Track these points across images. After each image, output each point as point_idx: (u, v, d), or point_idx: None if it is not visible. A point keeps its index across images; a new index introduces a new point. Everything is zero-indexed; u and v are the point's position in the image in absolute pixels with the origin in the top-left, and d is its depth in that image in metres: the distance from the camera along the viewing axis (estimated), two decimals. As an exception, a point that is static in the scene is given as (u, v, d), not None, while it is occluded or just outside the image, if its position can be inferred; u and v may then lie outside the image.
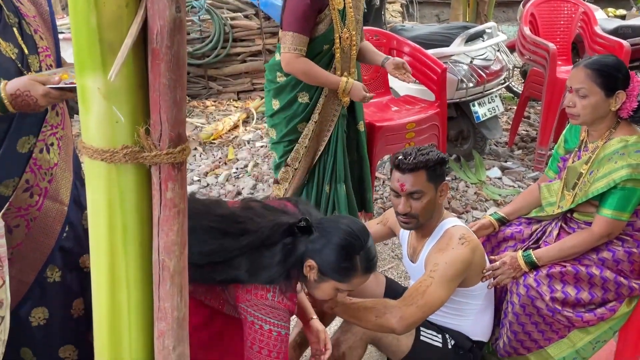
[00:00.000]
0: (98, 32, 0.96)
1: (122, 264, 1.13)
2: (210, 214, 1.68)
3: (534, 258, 2.06)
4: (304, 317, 1.99)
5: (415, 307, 1.88)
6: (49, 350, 1.80)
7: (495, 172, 4.34)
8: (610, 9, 8.13)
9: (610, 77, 1.97)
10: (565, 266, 2.04)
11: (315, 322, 1.97)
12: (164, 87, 1.00)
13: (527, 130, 5.26)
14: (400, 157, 2.00)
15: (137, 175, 1.07)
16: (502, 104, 5.10)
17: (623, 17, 7.20)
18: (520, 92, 5.05)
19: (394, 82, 4.15)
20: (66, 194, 1.73)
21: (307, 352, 2.37)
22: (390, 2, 8.97)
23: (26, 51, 1.61)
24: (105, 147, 1.03)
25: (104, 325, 1.18)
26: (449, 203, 3.86)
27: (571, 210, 2.14)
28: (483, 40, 4.18)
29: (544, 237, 2.20)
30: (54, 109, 1.68)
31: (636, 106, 1.97)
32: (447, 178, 4.15)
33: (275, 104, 2.87)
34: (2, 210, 1.59)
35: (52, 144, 1.68)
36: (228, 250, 1.61)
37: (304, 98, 2.80)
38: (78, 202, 1.79)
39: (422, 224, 2.06)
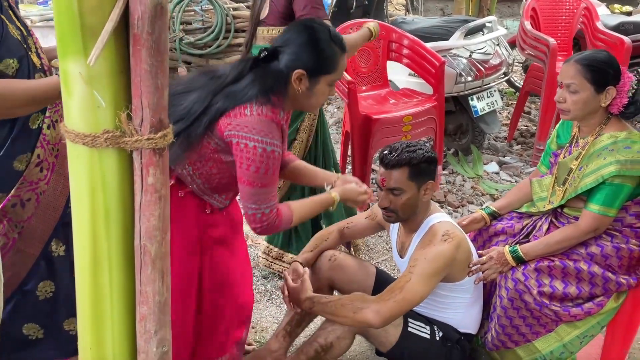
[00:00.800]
0: (80, 16, 0.97)
1: (104, 248, 1.14)
2: (179, 82, 1.74)
3: (521, 253, 2.06)
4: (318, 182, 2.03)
5: (393, 302, 1.89)
6: (55, 323, 1.84)
7: (493, 166, 4.35)
8: (616, 5, 8.08)
9: (601, 73, 1.97)
10: (553, 260, 2.04)
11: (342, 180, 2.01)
12: (145, 72, 1.01)
13: (527, 126, 5.25)
14: (385, 152, 2.02)
15: (118, 160, 1.08)
16: (502, 98, 5.10)
17: (629, 14, 7.15)
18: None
19: (392, 75, 4.15)
20: (67, 168, 1.77)
21: (297, 341, 2.39)
22: (394, -5, 8.94)
23: (25, 32, 1.67)
24: (87, 131, 1.04)
25: (87, 308, 1.20)
26: (445, 197, 3.87)
27: (562, 206, 2.15)
28: (483, 34, 4.17)
29: (534, 232, 2.20)
30: None
31: (627, 102, 1.97)
32: (444, 172, 4.20)
33: None
34: (17, 185, 1.67)
35: (56, 121, 1.74)
36: (203, 98, 1.63)
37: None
38: None
39: (403, 218, 2.09)
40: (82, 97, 1.02)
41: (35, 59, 1.69)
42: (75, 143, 1.06)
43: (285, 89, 1.67)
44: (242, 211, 1.70)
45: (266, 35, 2.63)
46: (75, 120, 1.05)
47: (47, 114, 1.71)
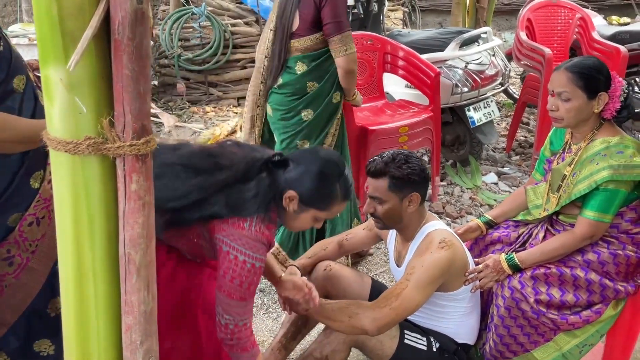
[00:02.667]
0: (59, 22, 0.97)
1: (88, 256, 1.13)
2: (179, 154, 1.68)
3: (517, 261, 2.04)
4: (273, 277, 1.97)
5: (389, 309, 1.87)
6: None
7: (491, 177, 4.33)
8: (614, 17, 8.11)
9: (592, 80, 1.96)
10: (549, 268, 2.02)
11: (286, 276, 1.96)
12: (127, 78, 1.00)
13: (525, 137, 5.25)
14: (372, 160, 2.02)
15: (101, 167, 1.07)
16: (500, 109, 5.11)
17: (627, 25, 7.17)
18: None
19: (389, 87, 4.16)
20: None
21: (293, 354, 2.36)
22: (391, 10, 8.99)
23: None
24: (68, 138, 1.04)
25: (71, 319, 1.18)
26: (443, 208, 3.85)
27: (557, 213, 2.13)
28: (478, 45, 4.18)
29: (530, 240, 2.18)
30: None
31: (619, 107, 1.96)
32: (442, 183, 4.18)
33: (308, 115, 2.83)
34: (33, 203, 1.65)
35: None
36: (204, 188, 1.59)
37: (337, 97, 2.85)
38: None
39: (389, 226, 2.09)
40: (63, 104, 1.02)
41: (32, 76, 1.68)
42: (57, 150, 1.06)
43: (280, 204, 1.66)
44: (217, 318, 1.67)
45: (298, 46, 2.74)
46: (57, 127, 1.04)
47: None
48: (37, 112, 1.64)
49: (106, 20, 0.99)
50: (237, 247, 1.58)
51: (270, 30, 2.89)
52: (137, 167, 1.06)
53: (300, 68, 2.76)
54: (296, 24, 2.70)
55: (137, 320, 1.16)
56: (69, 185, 1.08)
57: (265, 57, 2.93)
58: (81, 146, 1.04)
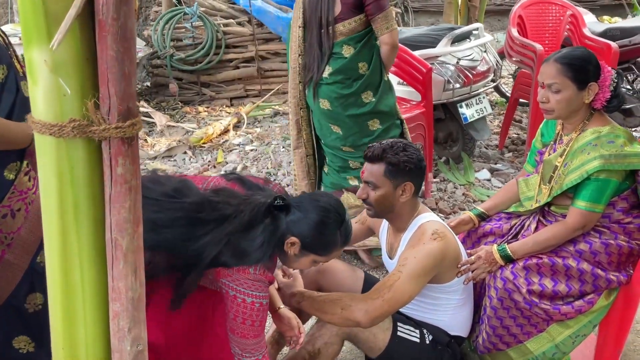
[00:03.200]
0: (43, 3, 0.96)
1: (74, 242, 1.11)
2: (184, 202, 1.67)
3: (509, 252, 2.04)
4: (272, 307, 1.98)
5: (382, 301, 1.86)
6: (46, 335, 1.79)
7: (484, 174, 4.33)
8: (605, 17, 8.15)
9: (582, 70, 1.96)
10: (541, 258, 2.02)
11: (284, 311, 1.98)
12: (111, 59, 0.99)
13: (517, 134, 5.26)
14: (370, 145, 2.03)
15: (87, 150, 1.06)
16: (492, 107, 5.11)
17: (617, 22, 7.21)
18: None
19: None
20: None
21: (285, 350, 2.35)
22: (384, 11, 9.02)
23: (6, 40, 1.67)
24: (53, 121, 1.02)
25: (58, 307, 1.17)
26: (436, 204, 3.85)
27: (549, 204, 2.13)
28: (470, 41, 4.19)
29: (522, 231, 2.18)
30: None
31: (609, 96, 1.96)
32: (435, 179, 4.18)
33: (369, 97, 2.85)
34: (8, 194, 1.64)
35: None
36: (215, 242, 1.62)
37: (385, 74, 2.90)
38: None
39: (380, 214, 2.08)
40: (47, 86, 1.01)
41: (18, 66, 1.68)
42: (42, 134, 1.04)
43: (282, 248, 1.71)
44: (236, 359, 1.74)
45: (343, 30, 2.77)
46: (41, 110, 1.03)
47: None
48: (17, 103, 1.63)
49: (89, 0, 0.98)
50: (244, 290, 1.64)
51: (299, 27, 2.89)
52: (123, 150, 1.05)
53: (347, 51, 2.78)
54: (338, 8, 2.75)
55: (125, 307, 1.15)
56: (54, 169, 1.07)
57: (299, 55, 2.92)
58: (66, 129, 1.02)
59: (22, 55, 1.89)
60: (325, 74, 2.83)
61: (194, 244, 1.62)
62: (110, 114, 1.03)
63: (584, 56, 1.98)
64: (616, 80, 1.96)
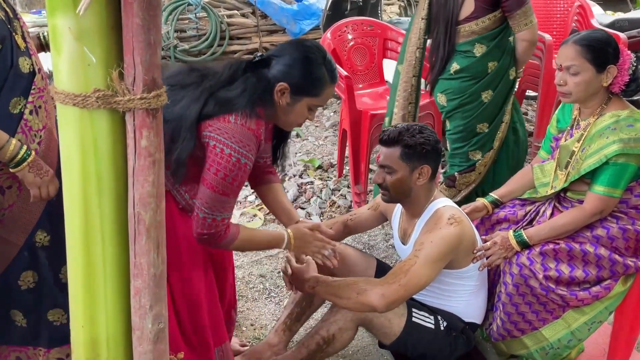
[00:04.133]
0: (68, -32, 0.94)
1: (96, 217, 1.09)
2: (170, 75, 1.72)
3: (525, 237, 2.02)
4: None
5: (398, 286, 1.84)
6: (38, 312, 1.81)
7: (491, 165, 4.30)
8: (608, 12, 8.11)
9: (601, 52, 1.94)
10: (558, 243, 2.00)
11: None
12: (137, 27, 0.97)
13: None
14: (386, 129, 2.02)
15: (111, 122, 1.04)
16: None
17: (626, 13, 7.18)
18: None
19: (387, 75, 4.13)
20: (53, 158, 1.75)
21: (297, 337, 2.33)
22: (387, 4, 8.97)
23: (11, 14, 1.64)
24: (77, 91, 1.01)
25: (79, 283, 1.15)
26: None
27: (565, 190, 2.11)
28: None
29: (537, 218, 2.16)
30: (39, 72, 1.70)
31: (628, 80, 1.93)
32: (442, 170, 4.15)
33: (487, 96, 2.77)
34: None
35: (40, 107, 1.70)
36: (195, 98, 1.62)
37: (512, 73, 2.81)
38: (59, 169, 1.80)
39: (395, 199, 2.06)
40: (71, 55, 0.99)
41: (20, 41, 1.65)
42: (65, 104, 1.02)
43: (270, 100, 1.66)
44: (194, 214, 1.66)
45: (476, 28, 2.69)
46: (65, 80, 1.01)
47: (30, 99, 1.66)
48: (9, 77, 1.61)
49: (116, -33, 0.96)
50: (223, 140, 1.58)
51: (422, 19, 2.83)
52: (148, 122, 1.03)
53: (479, 50, 2.71)
54: (470, 8, 2.66)
55: (147, 283, 1.13)
56: (77, 141, 1.05)
57: (417, 48, 2.85)
58: (90, 99, 1.00)
59: (43, 33, 1.88)
60: (451, 71, 2.77)
61: (177, 105, 1.61)
62: (135, 84, 1.01)
63: (604, 38, 1.96)
64: (635, 64, 1.94)
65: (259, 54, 1.70)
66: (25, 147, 1.59)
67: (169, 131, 1.57)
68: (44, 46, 1.92)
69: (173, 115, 1.61)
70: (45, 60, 1.76)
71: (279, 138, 1.86)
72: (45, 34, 1.91)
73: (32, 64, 1.67)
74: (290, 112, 1.71)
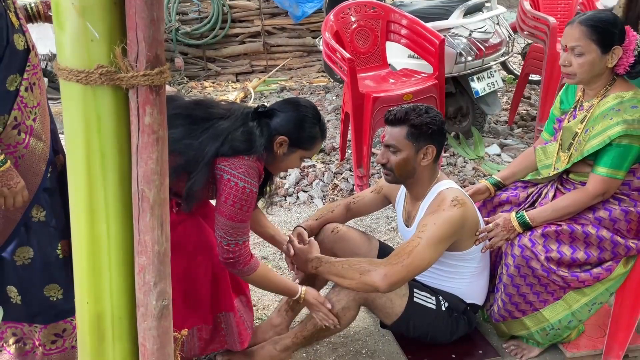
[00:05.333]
0: (71, -58, 0.93)
1: (100, 194, 1.10)
2: (181, 101, 1.93)
3: (528, 219, 2.02)
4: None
5: (401, 266, 1.85)
6: (33, 288, 1.83)
7: (494, 149, 4.30)
8: None
9: (607, 33, 1.92)
10: (560, 225, 2.00)
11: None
12: (140, 3, 0.97)
13: (527, 110, 5.22)
14: (392, 109, 2.00)
15: (114, 99, 1.04)
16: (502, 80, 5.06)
17: None
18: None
19: (391, 58, 4.11)
20: (47, 134, 1.77)
21: (299, 317, 2.35)
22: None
23: None
24: (80, 67, 1.00)
25: (83, 260, 1.15)
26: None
27: (567, 172, 2.11)
28: (482, 13, 4.13)
29: (539, 200, 2.16)
30: (33, 49, 1.70)
31: (633, 61, 1.92)
32: (444, 154, 4.15)
33: None
34: None
35: (34, 84, 1.70)
36: (214, 137, 1.80)
37: None
38: (54, 146, 1.82)
39: (399, 179, 2.07)
40: (74, 30, 0.98)
41: (14, 18, 1.66)
42: (68, 81, 1.02)
43: (270, 148, 1.85)
44: (217, 241, 1.85)
45: None
46: (68, 56, 1.01)
47: (25, 75, 1.67)
48: (5, 55, 1.61)
49: (119, -59, 0.95)
50: (237, 174, 1.77)
51: None
52: (151, 99, 1.03)
53: None
54: None
55: (151, 260, 1.13)
56: (80, 118, 1.05)
57: None
58: (93, 75, 1.00)
59: (30, 4, 1.88)
60: None
61: (196, 140, 1.79)
62: (139, 60, 1.00)
63: (609, 19, 1.94)
64: (640, 45, 1.93)
65: (262, 105, 1.91)
66: (2, 156, 1.59)
67: (186, 159, 1.77)
68: (30, 17, 1.92)
69: (193, 148, 1.78)
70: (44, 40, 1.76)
71: (266, 177, 2.01)
72: (33, 5, 1.90)
73: (26, 41, 1.68)
74: (285, 161, 1.91)
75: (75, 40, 0.99)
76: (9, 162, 1.62)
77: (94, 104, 1.03)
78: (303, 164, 3.96)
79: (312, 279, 2.26)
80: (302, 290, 2.00)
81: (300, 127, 1.86)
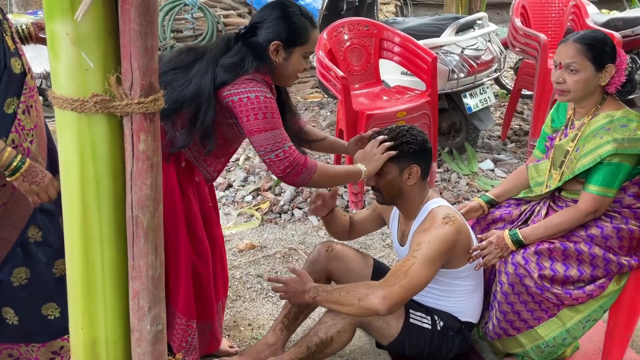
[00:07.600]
0: (66, -26, 0.95)
1: (95, 219, 1.11)
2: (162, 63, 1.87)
3: (521, 236, 2.03)
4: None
5: (399, 287, 1.85)
6: (31, 308, 1.83)
7: (487, 164, 4.33)
8: (604, 10, 8.13)
9: (600, 51, 1.96)
10: (553, 243, 2.02)
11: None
12: (134, 33, 0.98)
13: (520, 125, 5.26)
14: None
15: (108, 126, 1.06)
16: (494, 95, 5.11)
17: (621, 12, 7.20)
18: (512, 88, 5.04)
19: (384, 75, 4.15)
20: (43, 156, 1.78)
21: (294, 336, 2.34)
22: (384, 3, 8.98)
23: (0, 16, 1.67)
24: (75, 95, 1.02)
25: (78, 285, 1.16)
26: (440, 194, 3.85)
27: (559, 189, 2.12)
28: (474, 31, 4.18)
29: (532, 217, 2.17)
30: (29, 72, 1.72)
31: (624, 80, 1.95)
32: (438, 170, 4.17)
33: None
34: None
35: (31, 106, 1.72)
36: (204, 71, 1.78)
37: None
38: (51, 166, 1.83)
39: (388, 200, 2.09)
40: (69, 60, 1.00)
41: (10, 42, 1.67)
42: (63, 109, 1.04)
43: (268, 61, 1.82)
44: (266, 162, 1.80)
45: None
46: (63, 85, 1.02)
47: (22, 99, 1.69)
48: (3, 80, 1.62)
49: (113, -27, 0.97)
50: (245, 90, 1.75)
51: None
52: (145, 126, 1.05)
53: None
54: None
55: (145, 285, 1.14)
56: (75, 145, 1.06)
57: None
58: (88, 104, 1.02)
59: (21, 26, 1.90)
60: None
61: (192, 83, 1.77)
62: (133, 89, 1.02)
63: (602, 38, 1.98)
64: (632, 65, 1.96)
65: (242, 27, 1.88)
66: (20, 156, 1.60)
67: (192, 109, 1.75)
68: (22, 39, 1.93)
69: (189, 93, 1.76)
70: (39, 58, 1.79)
71: (280, 97, 1.98)
72: (24, 26, 1.92)
73: (22, 65, 1.69)
74: (288, 66, 1.86)
75: (70, 69, 1.00)
76: (28, 160, 1.63)
77: (89, 132, 1.05)
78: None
79: (305, 305, 2.23)
80: (363, 168, 1.95)
81: (285, 24, 1.82)
